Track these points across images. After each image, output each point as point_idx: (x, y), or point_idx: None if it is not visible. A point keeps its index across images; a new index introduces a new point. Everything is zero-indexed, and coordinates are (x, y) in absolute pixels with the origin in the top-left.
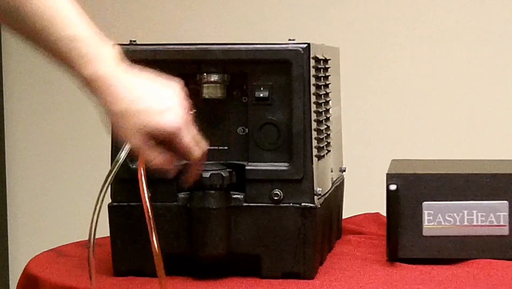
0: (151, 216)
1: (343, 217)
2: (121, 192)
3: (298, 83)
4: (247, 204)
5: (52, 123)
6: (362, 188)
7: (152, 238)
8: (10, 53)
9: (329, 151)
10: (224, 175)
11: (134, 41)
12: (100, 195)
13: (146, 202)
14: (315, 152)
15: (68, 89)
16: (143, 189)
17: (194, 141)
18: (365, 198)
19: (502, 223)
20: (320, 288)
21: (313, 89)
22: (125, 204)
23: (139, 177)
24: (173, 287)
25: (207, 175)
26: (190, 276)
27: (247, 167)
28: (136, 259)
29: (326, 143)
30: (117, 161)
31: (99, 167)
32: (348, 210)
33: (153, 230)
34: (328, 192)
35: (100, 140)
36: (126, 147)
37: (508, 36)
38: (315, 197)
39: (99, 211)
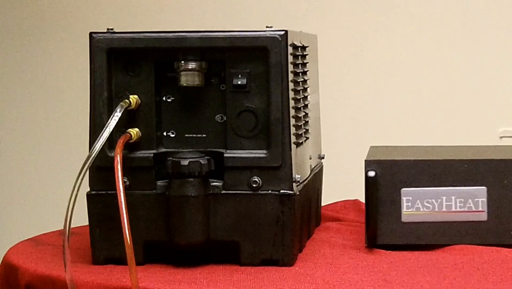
0: (124, 208)
1: (322, 204)
2: (99, 180)
3: (276, 70)
4: (225, 192)
5: (29, 112)
6: (341, 174)
7: (125, 230)
8: None
9: (307, 138)
10: (202, 162)
11: (112, 29)
12: (76, 183)
13: (120, 192)
14: (293, 139)
15: (43, 77)
16: (118, 179)
17: None
18: (344, 185)
19: (480, 209)
20: (299, 275)
21: (291, 76)
22: (103, 192)
23: (115, 165)
24: (151, 275)
25: (185, 162)
26: (169, 264)
27: (225, 155)
28: (114, 247)
29: (304, 130)
30: (94, 149)
31: (79, 155)
32: (327, 197)
33: (126, 221)
34: (307, 179)
35: (78, 128)
36: (104, 133)
37: (481, 22)
38: (294, 184)
39: (75, 199)
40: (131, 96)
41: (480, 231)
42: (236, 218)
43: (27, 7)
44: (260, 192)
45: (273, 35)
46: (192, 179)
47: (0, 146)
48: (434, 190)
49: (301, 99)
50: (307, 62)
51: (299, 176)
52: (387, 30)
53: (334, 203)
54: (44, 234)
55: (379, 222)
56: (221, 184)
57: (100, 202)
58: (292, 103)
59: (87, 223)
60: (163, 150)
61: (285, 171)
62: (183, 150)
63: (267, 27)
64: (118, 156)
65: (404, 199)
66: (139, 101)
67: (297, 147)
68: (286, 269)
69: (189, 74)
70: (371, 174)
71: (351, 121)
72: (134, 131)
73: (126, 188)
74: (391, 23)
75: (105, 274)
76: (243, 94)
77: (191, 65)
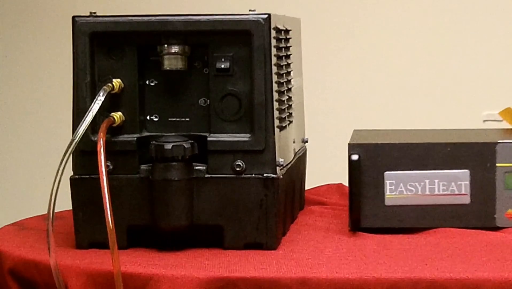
0: (107, 192)
1: (306, 188)
2: (83, 164)
3: (259, 54)
4: (209, 175)
5: (11, 97)
6: (324, 158)
7: (107, 214)
8: None
9: (291, 122)
10: (186, 146)
11: (94, 12)
12: (59, 167)
13: (103, 177)
14: (276, 122)
15: (26, 62)
16: (101, 163)
17: None
18: (327, 169)
19: (463, 192)
20: (283, 259)
21: (274, 60)
22: (87, 176)
23: (98, 149)
24: (135, 259)
25: (169, 146)
26: (152, 248)
27: (209, 138)
28: (98, 231)
29: (288, 114)
30: (77, 133)
31: (62, 139)
32: (311, 181)
33: (108, 205)
34: (290, 162)
35: (61, 112)
36: (87, 118)
37: (466, 6)
38: (277, 168)
39: (58, 184)
40: (114, 80)
41: (463, 214)
42: (220, 202)
43: None
44: (243, 175)
45: (256, 19)
46: (175, 163)
47: None
48: (417, 173)
49: (285, 83)
50: (291, 46)
51: (282, 160)
52: (370, 14)
53: (318, 186)
54: (27, 218)
55: (363, 205)
56: (204, 167)
57: (84, 186)
58: (275, 87)
59: (70, 207)
60: (147, 133)
61: (269, 155)
62: (167, 134)
63: (250, 10)
64: (101, 139)
65: (387, 182)
66: (122, 85)
67: (280, 130)
68: (269, 252)
69: (172, 58)
70: (355, 157)
71: (335, 105)
72: (117, 115)
73: (109, 172)
74: (375, 7)
75: (88, 258)
76: (227, 78)
77: (174, 49)
